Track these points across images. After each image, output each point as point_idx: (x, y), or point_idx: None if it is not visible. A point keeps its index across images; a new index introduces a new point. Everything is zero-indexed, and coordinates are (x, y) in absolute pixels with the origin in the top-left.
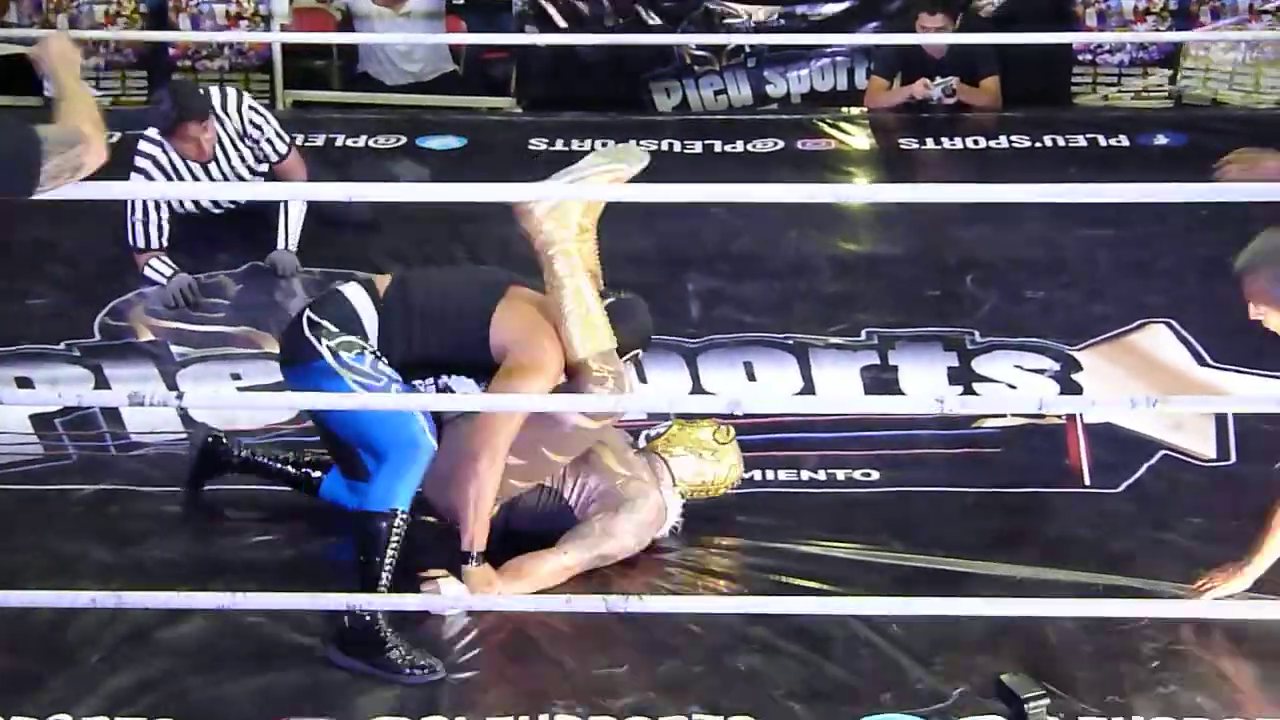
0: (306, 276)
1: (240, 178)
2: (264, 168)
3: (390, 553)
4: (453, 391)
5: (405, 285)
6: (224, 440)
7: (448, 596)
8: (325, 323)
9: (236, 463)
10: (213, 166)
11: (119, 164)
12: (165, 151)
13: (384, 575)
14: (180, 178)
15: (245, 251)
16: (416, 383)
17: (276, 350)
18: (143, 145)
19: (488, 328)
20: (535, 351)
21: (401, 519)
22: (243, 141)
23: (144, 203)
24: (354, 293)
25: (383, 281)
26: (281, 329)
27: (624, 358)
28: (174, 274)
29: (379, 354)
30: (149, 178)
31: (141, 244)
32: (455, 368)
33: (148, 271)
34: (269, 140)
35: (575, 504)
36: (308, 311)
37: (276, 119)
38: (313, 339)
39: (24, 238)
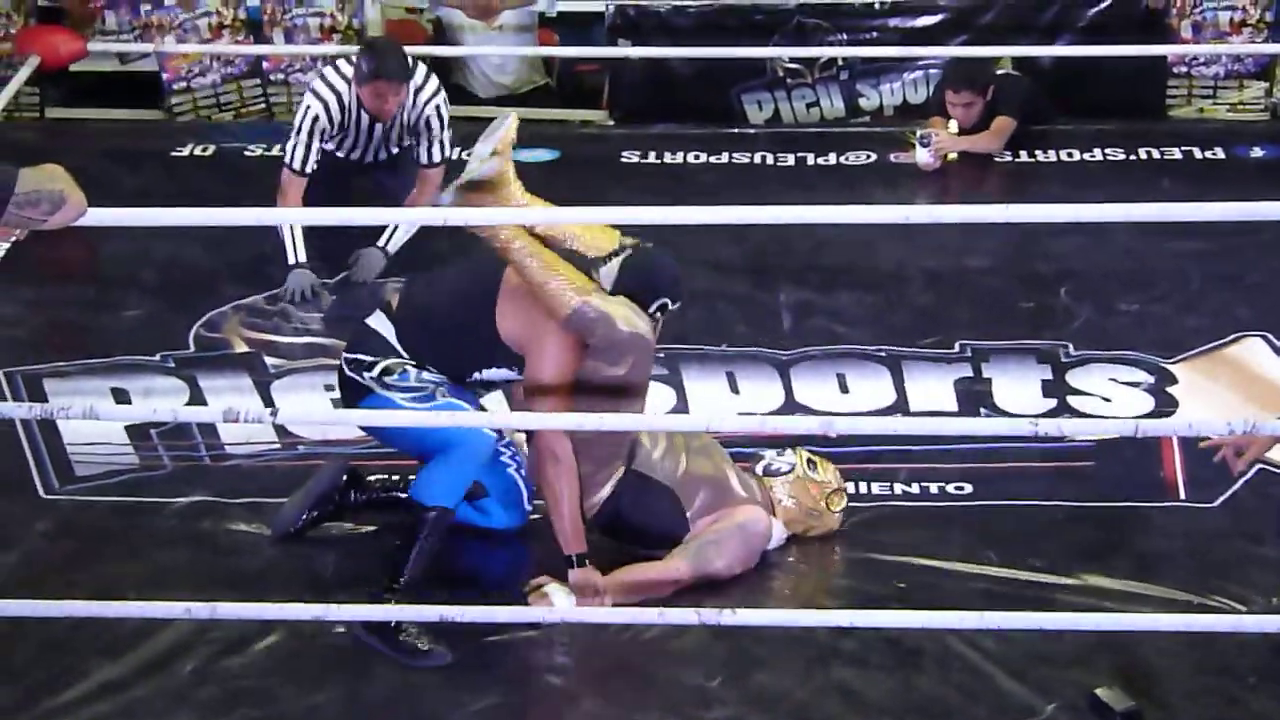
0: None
1: (390, 152)
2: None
3: (427, 545)
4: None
5: (412, 295)
6: (354, 483)
7: (553, 608)
8: (361, 356)
9: (360, 504)
10: (380, 126)
11: (235, 175)
12: (350, 89)
13: (409, 566)
14: (353, 115)
15: (337, 264)
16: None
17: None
18: (330, 74)
19: (494, 324)
20: (543, 350)
21: (444, 515)
22: (407, 129)
23: (311, 123)
24: (376, 321)
25: (395, 298)
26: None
27: (650, 308)
28: (297, 265)
29: (419, 365)
30: (327, 107)
31: (296, 164)
32: (478, 362)
33: (284, 232)
34: (430, 144)
35: (690, 512)
36: (344, 355)
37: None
38: (355, 377)
39: (119, 250)
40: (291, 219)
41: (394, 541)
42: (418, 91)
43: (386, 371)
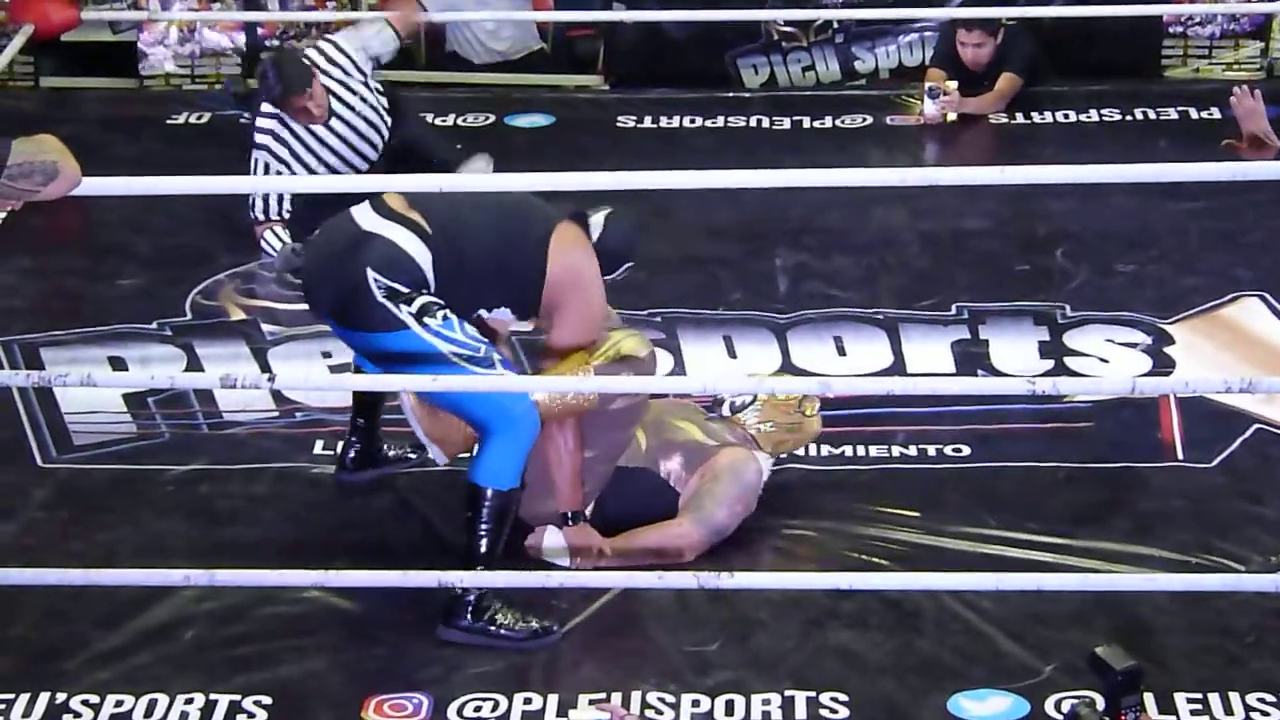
0: None
1: (368, 120)
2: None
3: (500, 528)
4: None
5: (444, 218)
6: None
7: (553, 547)
8: (396, 285)
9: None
10: (335, 122)
11: (231, 143)
12: (283, 122)
13: (483, 547)
14: (303, 141)
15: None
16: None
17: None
18: (260, 121)
19: (544, 265)
20: (577, 310)
21: (512, 495)
22: (361, 74)
23: (263, 176)
24: (406, 240)
25: (404, 207)
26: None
27: (616, 271)
28: (283, 246)
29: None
30: (271, 152)
31: (261, 215)
32: (492, 300)
33: (263, 244)
34: (380, 44)
35: (672, 479)
36: (373, 273)
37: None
38: (389, 306)
39: (115, 218)
40: (292, 187)
41: (390, 505)
42: (330, 64)
43: (425, 311)
